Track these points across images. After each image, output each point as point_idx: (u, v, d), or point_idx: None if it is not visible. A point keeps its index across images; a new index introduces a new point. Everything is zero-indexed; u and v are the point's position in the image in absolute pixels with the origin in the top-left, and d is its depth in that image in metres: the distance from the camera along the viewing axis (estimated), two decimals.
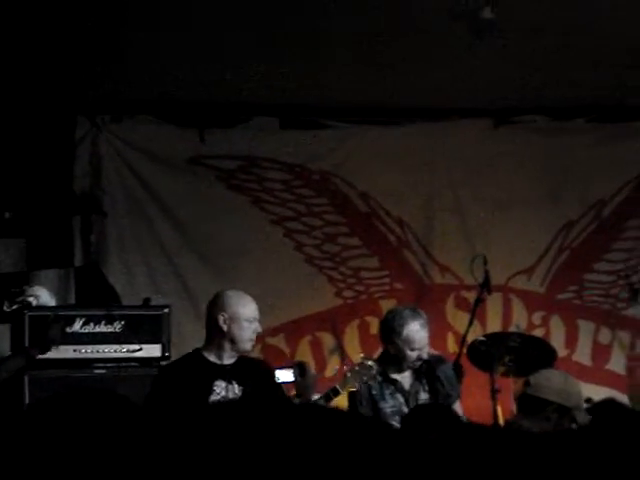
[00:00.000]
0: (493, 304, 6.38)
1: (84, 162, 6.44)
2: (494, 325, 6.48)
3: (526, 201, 6.65)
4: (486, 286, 5.59)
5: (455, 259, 6.62)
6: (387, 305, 6.66)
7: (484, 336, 5.63)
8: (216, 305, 4.72)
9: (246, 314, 4.66)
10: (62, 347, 5.24)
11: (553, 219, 6.73)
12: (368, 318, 6.65)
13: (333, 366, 6.44)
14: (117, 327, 5.49)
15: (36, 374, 5.27)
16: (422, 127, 6.69)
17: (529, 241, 6.64)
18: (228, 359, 4.70)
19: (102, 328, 5.48)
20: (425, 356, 5.13)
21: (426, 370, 5.15)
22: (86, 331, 5.46)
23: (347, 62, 5.85)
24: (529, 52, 5.72)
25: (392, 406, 5.04)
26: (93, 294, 6.29)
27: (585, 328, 6.65)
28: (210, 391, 4.62)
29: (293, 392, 5.05)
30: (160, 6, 5.13)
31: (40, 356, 4.97)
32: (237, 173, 6.68)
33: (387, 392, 5.08)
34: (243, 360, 4.72)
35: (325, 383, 5.85)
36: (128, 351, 5.46)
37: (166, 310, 5.54)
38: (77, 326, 5.45)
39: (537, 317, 6.67)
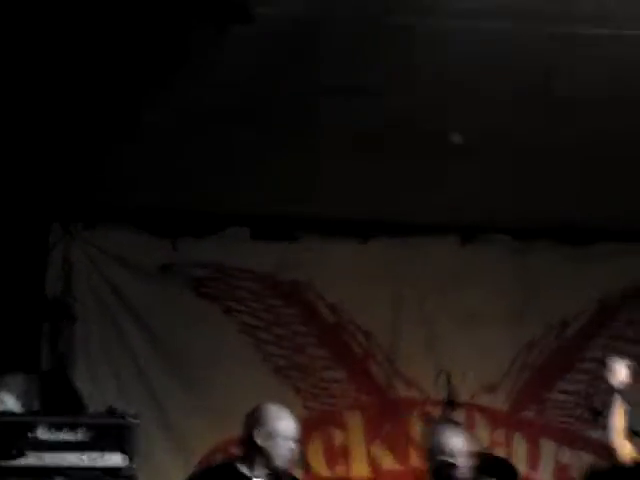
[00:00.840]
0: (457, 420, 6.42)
1: (56, 268, 6.50)
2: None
3: (491, 318, 6.74)
4: (450, 404, 5.65)
5: (421, 373, 6.68)
6: (352, 417, 6.70)
7: None
8: (252, 418, 4.71)
9: (283, 431, 4.66)
10: (25, 454, 5.23)
11: (517, 336, 6.81)
12: (332, 430, 6.68)
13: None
14: (81, 435, 5.47)
15: None
16: (389, 243, 6.81)
17: (493, 358, 6.72)
18: (261, 474, 4.71)
19: (66, 435, 5.45)
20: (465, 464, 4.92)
21: None
22: (49, 438, 5.44)
23: (318, 176, 5.99)
24: (496, 174, 5.88)
25: None
26: (59, 400, 6.27)
27: (547, 447, 6.68)
28: None
29: None
30: (135, 117, 5.25)
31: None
32: (208, 281, 6.77)
33: None
34: (275, 475, 4.66)
35: None
36: (91, 459, 5.43)
37: (132, 419, 5.54)
38: (40, 433, 5.43)
39: (500, 434, 6.72)
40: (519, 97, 4.97)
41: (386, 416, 6.60)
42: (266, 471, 4.65)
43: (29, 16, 4.23)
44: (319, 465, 6.61)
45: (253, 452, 4.64)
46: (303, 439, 6.55)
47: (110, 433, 5.50)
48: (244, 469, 4.68)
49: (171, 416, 6.42)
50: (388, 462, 6.60)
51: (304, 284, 6.85)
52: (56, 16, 4.23)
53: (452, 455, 4.91)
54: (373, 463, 6.53)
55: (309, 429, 6.64)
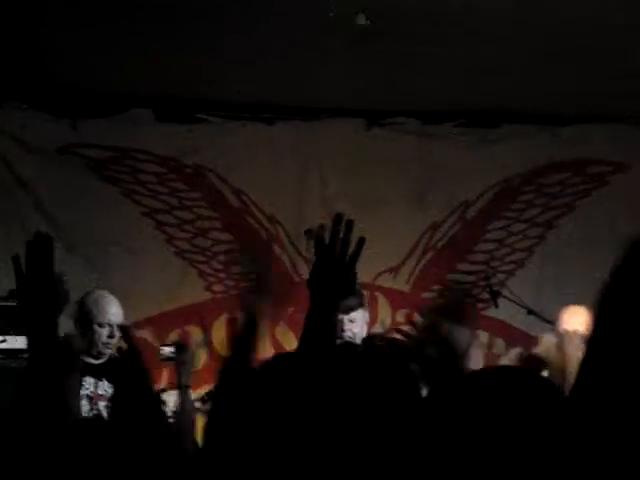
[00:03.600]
0: None
1: None
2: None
3: (394, 201, 6.79)
4: None
5: None
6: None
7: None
8: (77, 305, 4.76)
9: (97, 319, 4.69)
10: None
11: (419, 220, 6.89)
12: (237, 313, 6.70)
13: (201, 359, 6.47)
14: None
15: None
16: (295, 125, 6.77)
17: (396, 240, 6.79)
18: (97, 358, 4.74)
19: None
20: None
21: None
22: None
23: (223, 57, 5.89)
24: (401, 56, 5.85)
25: None
26: None
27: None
28: (79, 387, 4.65)
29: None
30: None
31: None
32: (109, 164, 6.65)
33: None
34: (115, 358, 4.76)
35: (193, 375, 5.89)
36: None
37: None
38: None
39: (401, 315, 6.82)
40: None
41: (290, 298, 6.63)
42: (101, 354, 4.73)
43: None
44: (224, 348, 6.63)
45: (80, 338, 4.69)
46: (207, 322, 6.65)
47: (10, 316, 5.45)
48: (85, 357, 4.73)
49: (74, 297, 6.35)
50: (292, 344, 6.66)
51: (208, 168, 6.79)
52: None
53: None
54: (277, 345, 6.59)
55: (213, 312, 6.66)
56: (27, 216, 6.46)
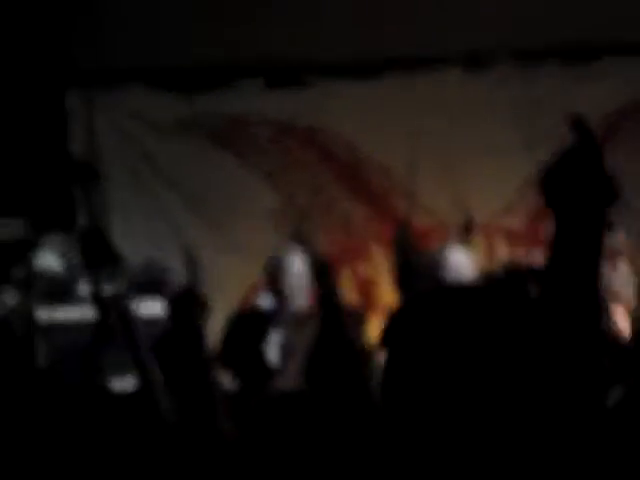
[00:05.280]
0: (477, 242, 6.67)
1: (79, 131, 6.71)
2: (479, 261, 6.76)
3: (502, 143, 6.89)
4: (467, 228, 5.92)
5: (438, 202, 6.90)
6: (377, 249, 6.95)
7: None
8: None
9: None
10: (69, 307, 5.52)
11: (529, 158, 6.94)
12: (359, 262, 6.95)
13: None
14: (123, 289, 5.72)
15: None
16: (397, 78, 6.93)
17: (508, 181, 6.89)
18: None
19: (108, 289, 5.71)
20: None
21: None
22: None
23: (322, 19, 6.05)
24: None
25: None
26: (97, 256, 6.52)
27: None
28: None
29: None
30: None
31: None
32: (225, 132, 6.95)
33: None
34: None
35: None
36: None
37: (169, 270, 5.77)
38: (83, 287, 5.69)
39: (519, 252, 6.94)
40: None
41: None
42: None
43: None
44: (349, 296, 6.89)
45: None
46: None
47: (150, 285, 5.75)
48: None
49: (204, 257, 6.67)
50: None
51: (320, 128, 7.02)
52: None
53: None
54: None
55: (336, 263, 6.90)
56: (154, 188, 6.82)
